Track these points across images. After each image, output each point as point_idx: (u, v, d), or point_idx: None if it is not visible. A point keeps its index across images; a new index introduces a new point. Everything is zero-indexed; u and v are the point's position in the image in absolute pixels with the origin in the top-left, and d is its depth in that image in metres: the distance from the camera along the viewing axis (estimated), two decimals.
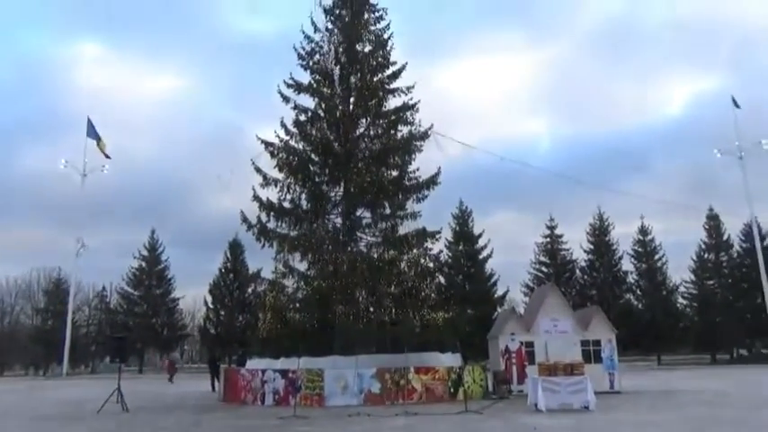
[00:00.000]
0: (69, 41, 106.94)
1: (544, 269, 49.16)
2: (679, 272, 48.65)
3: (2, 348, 59.00)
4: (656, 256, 47.63)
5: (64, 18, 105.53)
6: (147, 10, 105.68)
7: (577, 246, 49.45)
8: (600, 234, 48.79)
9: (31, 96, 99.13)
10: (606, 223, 49.00)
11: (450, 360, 17.04)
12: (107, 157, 50.14)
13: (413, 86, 21.06)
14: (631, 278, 48.04)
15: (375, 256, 19.63)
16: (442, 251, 23.42)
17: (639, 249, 48.00)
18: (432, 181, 20.33)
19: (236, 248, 51.79)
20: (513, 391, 16.94)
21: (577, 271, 49.12)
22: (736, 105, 42.04)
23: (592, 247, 48.80)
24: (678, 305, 48.25)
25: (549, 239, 49.73)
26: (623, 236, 49.85)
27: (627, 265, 48.18)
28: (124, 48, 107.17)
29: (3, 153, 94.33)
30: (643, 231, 48.05)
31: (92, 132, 50.43)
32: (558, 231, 49.85)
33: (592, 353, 18.03)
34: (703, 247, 48.56)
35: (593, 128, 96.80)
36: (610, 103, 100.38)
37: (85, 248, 47.56)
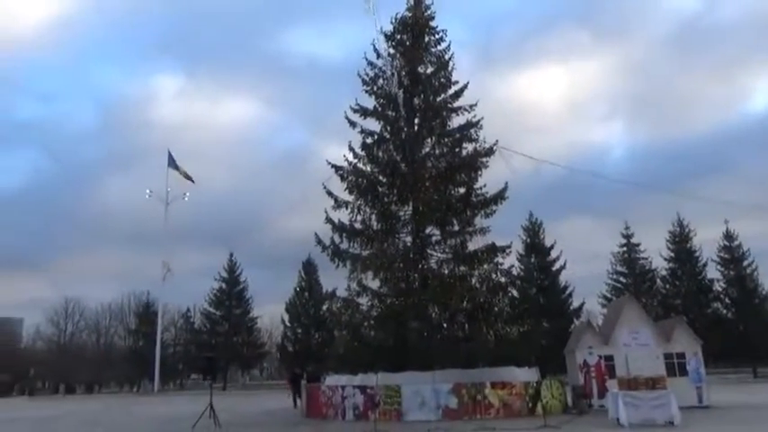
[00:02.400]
0: (146, 76, 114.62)
1: (622, 279, 47.41)
2: None
3: (98, 367, 63.43)
4: (745, 263, 44.83)
5: (140, 54, 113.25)
6: (219, 38, 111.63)
7: (656, 254, 47.40)
8: (681, 241, 46.55)
9: (114, 131, 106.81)
10: (687, 230, 46.72)
11: (526, 375, 16.98)
12: (191, 180, 53.51)
13: (475, 104, 21.41)
14: (718, 286, 45.41)
15: (446, 272, 19.87)
16: (513, 265, 23.23)
17: (726, 256, 45.34)
18: (499, 196, 20.45)
19: (309, 267, 53.36)
20: (593, 405, 16.66)
21: (658, 280, 47.01)
22: None
23: (672, 254, 46.61)
24: None
25: (625, 248, 47.99)
26: (707, 242, 47.29)
27: (712, 272, 45.64)
28: (199, 78, 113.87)
29: (91, 186, 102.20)
30: (729, 237, 45.43)
31: (172, 163, 54.01)
32: (635, 240, 48.03)
33: (676, 366, 17.42)
34: None
35: (670, 130, 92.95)
36: (687, 104, 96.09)
37: (171, 272, 50.68)
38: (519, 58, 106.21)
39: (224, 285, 56.68)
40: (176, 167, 53.61)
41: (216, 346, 52.86)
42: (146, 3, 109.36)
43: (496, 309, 19.70)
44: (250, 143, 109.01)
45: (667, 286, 46.60)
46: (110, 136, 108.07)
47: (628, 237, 48.13)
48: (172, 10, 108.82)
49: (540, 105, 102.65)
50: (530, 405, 15.63)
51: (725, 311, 44.85)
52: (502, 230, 22.69)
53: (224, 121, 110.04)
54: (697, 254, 46.18)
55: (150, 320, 56.79)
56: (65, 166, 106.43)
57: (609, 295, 46.15)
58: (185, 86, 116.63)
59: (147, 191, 53.79)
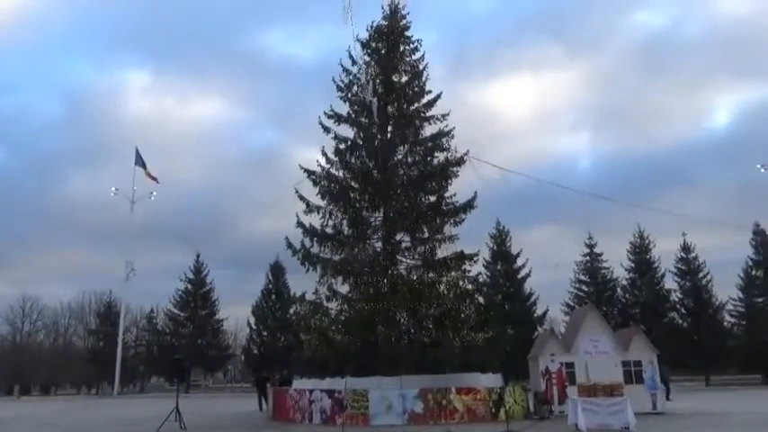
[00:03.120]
0: (115, 70, 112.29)
1: (585, 288, 48.65)
2: (725, 289, 47.42)
3: (56, 368, 61.68)
4: (701, 274, 46.56)
5: (110, 47, 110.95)
6: (191, 35, 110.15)
7: (618, 264, 48.83)
8: (641, 252, 48.08)
9: (80, 125, 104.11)
10: (647, 241, 48.26)
11: (490, 381, 17.41)
12: (155, 180, 52.50)
13: (448, 114, 21.90)
14: (675, 296, 47.04)
15: (415, 278, 20.26)
16: (480, 273, 23.80)
17: (683, 267, 47.02)
18: (468, 205, 20.94)
19: (277, 270, 53.08)
20: (554, 411, 17.15)
21: (618, 290, 48.41)
22: None
23: (633, 265, 48.10)
24: (726, 323, 46.94)
25: (588, 258, 49.29)
26: (665, 253, 48.94)
27: (670, 283, 47.26)
28: (169, 74, 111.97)
29: (54, 181, 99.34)
30: (686, 249, 47.13)
31: (139, 161, 53.01)
32: (597, 249, 49.35)
33: (633, 373, 18.07)
34: (750, 263, 47.27)
35: (635, 142, 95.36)
36: (651, 117, 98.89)
37: (134, 272, 49.60)
38: (491, 66, 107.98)
39: (189, 286, 55.88)
40: (143, 166, 52.64)
41: (179, 347, 52.02)
42: None
43: (463, 315, 20.14)
44: (219, 142, 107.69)
45: (627, 295, 48.01)
46: (75, 130, 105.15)
47: (591, 246, 49.44)
48: (144, 4, 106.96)
49: (511, 113, 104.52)
50: (493, 410, 16.03)
51: (681, 321, 46.46)
52: (470, 237, 23.19)
53: (193, 119, 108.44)
54: (656, 264, 47.75)
55: (112, 321, 55.59)
56: (26, 159, 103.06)
57: (572, 303, 47.29)
58: (155, 82, 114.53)
59: (113, 188, 52.69)
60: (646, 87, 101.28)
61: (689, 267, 46.80)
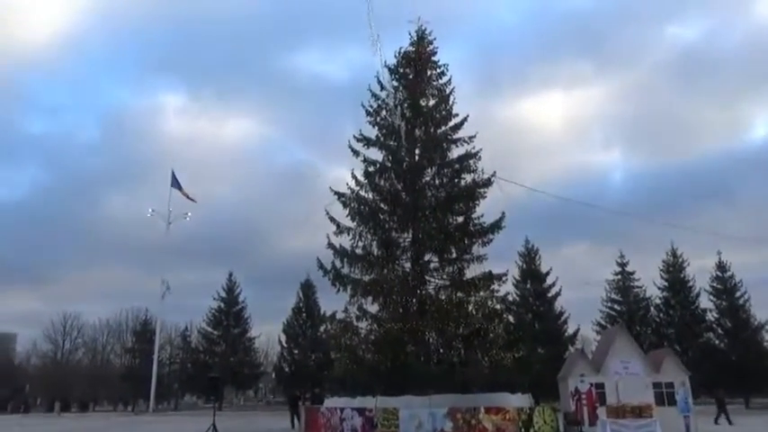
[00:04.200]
0: (151, 94, 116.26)
1: (617, 307, 47.87)
2: (765, 308, 46.17)
3: (94, 385, 63.28)
4: (737, 293, 45.42)
5: (146, 72, 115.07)
6: (223, 58, 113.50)
7: (651, 282, 48.01)
8: (674, 271, 47.18)
9: (118, 148, 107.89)
10: (681, 259, 47.38)
11: (519, 401, 17.52)
12: (192, 201, 54.05)
13: (474, 136, 22.32)
14: (711, 316, 45.95)
15: (443, 298, 20.54)
16: (509, 293, 23.89)
17: (718, 286, 45.95)
18: (496, 225, 21.23)
19: (308, 289, 53.74)
20: None
21: (652, 309, 47.50)
22: None
23: (666, 284, 47.22)
24: (766, 344, 45.55)
25: (620, 276, 48.58)
26: (700, 271, 48.01)
27: (705, 302, 46.20)
28: (203, 96, 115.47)
29: (94, 202, 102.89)
30: (721, 267, 46.10)
31: (175, 183, 54.72)
32: (630, 268, 48.59)
33: (665, 395, 17.99)
34: None
35: (669, 157, 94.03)
36: (685, 132, 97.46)
37: (170, 290, 50.97)
38: (522, 83, 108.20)
39: (222, 305, 56.97)
40: (179, 187, 54.31)
41: (213, 365, 52.95)
42: (153, 21, 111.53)
43: (492, 335, 20.30)
44: (252, 162, 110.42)
45: (661, 315, 47.06)
46: (113, 152, 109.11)
47: (622, 265, 48.73)
48: (178, 28, 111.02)
49: (542, 130, 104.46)
50: (522, 430, 16.13)
51: (717, 341, 45.27)
52: (499, 255, 23.38)
53: (227, 140, 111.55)
54: (690, 284, 46.75)
55: (148, 338, 56.91)
56: (67, 180, 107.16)
57: (603, 322, 46.56)
58: (189, 104, 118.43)
59: (150, 209, 54.42)
60: (680, 101, 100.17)
61: (725, 286, 45.70)
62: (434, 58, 23.40)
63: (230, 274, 58.48)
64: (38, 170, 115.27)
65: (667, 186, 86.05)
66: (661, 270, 47.78)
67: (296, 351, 52.79)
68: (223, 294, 57.29)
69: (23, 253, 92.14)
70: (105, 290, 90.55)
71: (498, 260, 22.03)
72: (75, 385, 61.75)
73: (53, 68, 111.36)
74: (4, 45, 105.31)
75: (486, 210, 21.75)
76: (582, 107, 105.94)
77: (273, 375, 59.50)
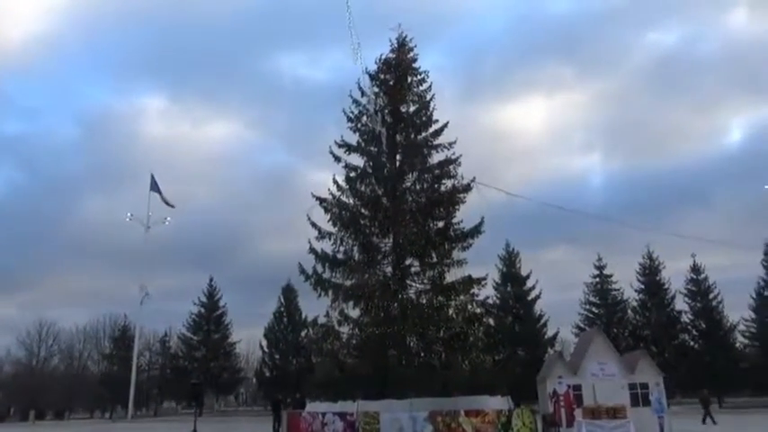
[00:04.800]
0: (132, 95, 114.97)
1: (595, 310, 48.59)
2: (737, 310, 47.23)
3: (70, 392, 62.19)
4: (711, 295, 46.46)
5: (127, 73, 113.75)
6: (206, 60, 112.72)
7: (628, 285, 48.86)
8: (650, 273, 48.08)
9: (97, 149, 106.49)
10: (657, 262, 48.29)
11: (498, 403, 17.74)
12: (171, 206, 53.54)
13: (455, 142, 22.63)
14: (686, 318, 46.91)
15: (424, 302, 20.78)
16: (489, 296, 24.16)
17: (693, 288, 46.96)
18: (476, 230, 21.55)
19: (289, 293, 53.58)
20: None
21: (629, 311, 48.34)
22: None
23: (642, 286, 48.10)
24: (738, 345, 46.65)
25: (598, 279, 49.36)
26: (675, 274, 48.97)
27: (681, 304, 47.17)
28: (184, 97, 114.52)
29: (71, 204, 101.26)
30: (696, 270, 47.14)
31: (155, 186, 54.20)
32: (608, 271, 49.39)
33: (640, 396, 18.35)
34: (762, 283, 47.12)
35: (647, 162, 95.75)
36: (664, 136, 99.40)
37: (149, 296, 50.40)
38: (503, 88, 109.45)
39: (203, 310, 56.49)
40: (158, 191, 53.82)
41: (192, 371, 52.48)
42: (134, 22, 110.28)
43: (472, 338, 20.56)
44: (233, 164, 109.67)
45: (637, 317, 47.88)
46: (91, 154, 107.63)
47: (600, 268, 49.50)
48: (158, 30, 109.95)
49: (523, 134, 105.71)
50: None
51: (692, 342, 46.24)
52: (479, 258, 23.63)
53: (207, 142, 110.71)
54: (666, 286, 47.69)
55: (126, 344, 56.18)
56: (43, 182, 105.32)
57: (582, 325, 47.23)
58: (170, 106, 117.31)
59: (128, 214, 53.71)
60: (659, 107, 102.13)
61: (699, 288, 46.74)
62: (415, 65, 23.69)
63: (211, 279, 58.06)
64: (13, 171, 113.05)
65: (646, 191, 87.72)
66: (637, 273, 48.67)
67: (277, 356, 52.60)
68: (203, 299, 56.83)
69: None
70: (83, 296, 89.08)
71: (478, 264, 22.31)
72: (50, 393, 60.59)
73: (29, 69, 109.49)
74: None
75: (466, 214, 22.09)
76: (563, 111, 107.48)
77: (254, 380, 59.20)
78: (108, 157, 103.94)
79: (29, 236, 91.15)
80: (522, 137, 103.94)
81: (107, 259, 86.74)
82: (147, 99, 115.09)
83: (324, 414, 17.31)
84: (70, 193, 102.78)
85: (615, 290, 49.06)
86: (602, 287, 48.98)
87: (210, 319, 56.32)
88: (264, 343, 53.59)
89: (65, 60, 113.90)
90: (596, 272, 49.48)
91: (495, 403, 17.71)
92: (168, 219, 53.69)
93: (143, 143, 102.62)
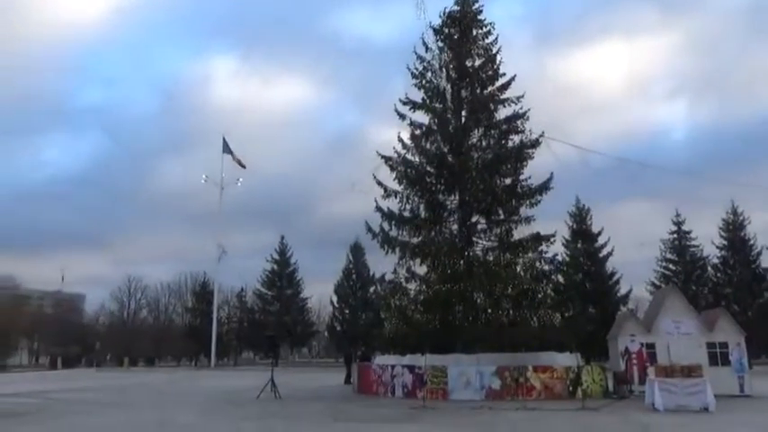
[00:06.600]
0: (204, 58, 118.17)
1: (672, 267, 46.81)
2: None
3: (158, 342, 67.30)
4: None
5: (198, 36, 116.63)
6: (274, 20, 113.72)
7: (708, 241, 46.51)
8: (734, 229, 45.51)
9: (173, 115, 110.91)
10: (741, 217, 45.59)
11: (567, 360, 17.67)
12: (243, 166, 55.52)
13: (522, 96, 21.85)
14: None
15: (491, 260, 20.66)
16: (557, 254, 23.66)
17: None
18: (544, 186, 20.99)
19: (357, 251, 54.91)
20: (634, 391, 17.19)
21: (709, 268, 46.19)
22: None
23: (725, 242, 45.65)
24: None
25: (676, 236, 47.29)
26: (763, 229, 46.06)
27: (767, 261, 44.51)
28: (254, 59, 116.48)
29: (150, 168, 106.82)
30: None
31: (226, 148, 56.19)
32: (686, 227, 47.24)
33: (719, 355, 17.71)
34: None
35: (736, 110, 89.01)
36: (756, 83, 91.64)
37: (225, 253, 53.16)
38: (579, 32, 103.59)
39: (275, 267, 59.02)
40: (230, 152, 55.80)
41: (268, 324, 55.32)
42: None
43: (540, 295, 20.37)
44: (302, 125, 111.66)
45: (719, 275, 45.74)
46: (168, 119, 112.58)
47: (678, 224, 47.37)
48: None
49: (600, 83, 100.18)
50: (570, 389, 16.38)
51: None
52: (549, 215, 23.10)
53: (278, 103, 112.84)
54: (751, 242, 45.09)
55: (206, 299, 59.77)
56: (125, 148, 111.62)
57: (658, 282, 45.69)
58: (241, 68, 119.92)
59: (203, 176, 56.27)
60: (749, 50, 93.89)
61: None
62: (480, 17, 22.85)
63: (282, 237, 60.40)
64: (99, 140, 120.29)
65: (734, 141, 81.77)
66: (720, 228, 46.17)
67: (347, 311, 54.43)
68: (276, 257, 59.28)
69: (89, 219, 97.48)
70: (166, 254, 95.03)
71: (548, 219, 21.83)
72: (141, 342, 65.80)
73: (107, 39, 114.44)
74: (58, 17, 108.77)
75: (534, 170, 21.50)
76: (644, 58, 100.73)
77: (326, 334, 61.67)
78: (183, 122, 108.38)
79: (116, 200, 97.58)
80: (597, 87, 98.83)
81: (187, 220, 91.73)
82: (219, 61, 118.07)
83: (393, 366, 17.87)
84: (150, 158, 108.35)
85: (694, 246, 46.95)
86: (680, 243, 46.95)
87: (283, 276, 58.79)
88: (335, 298, 55.57)
89: (139, 28, 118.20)
90: (674, 228, 47.41)
91: (564, 360, 17.65)
92: (240, 179, 55.81)
93: (215, 105, 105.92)
